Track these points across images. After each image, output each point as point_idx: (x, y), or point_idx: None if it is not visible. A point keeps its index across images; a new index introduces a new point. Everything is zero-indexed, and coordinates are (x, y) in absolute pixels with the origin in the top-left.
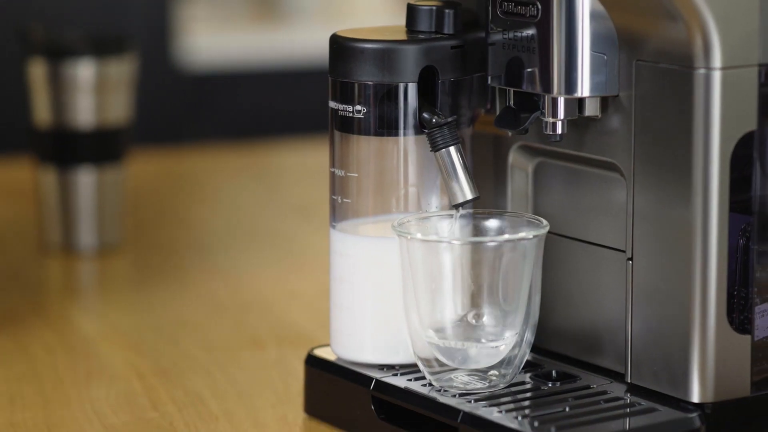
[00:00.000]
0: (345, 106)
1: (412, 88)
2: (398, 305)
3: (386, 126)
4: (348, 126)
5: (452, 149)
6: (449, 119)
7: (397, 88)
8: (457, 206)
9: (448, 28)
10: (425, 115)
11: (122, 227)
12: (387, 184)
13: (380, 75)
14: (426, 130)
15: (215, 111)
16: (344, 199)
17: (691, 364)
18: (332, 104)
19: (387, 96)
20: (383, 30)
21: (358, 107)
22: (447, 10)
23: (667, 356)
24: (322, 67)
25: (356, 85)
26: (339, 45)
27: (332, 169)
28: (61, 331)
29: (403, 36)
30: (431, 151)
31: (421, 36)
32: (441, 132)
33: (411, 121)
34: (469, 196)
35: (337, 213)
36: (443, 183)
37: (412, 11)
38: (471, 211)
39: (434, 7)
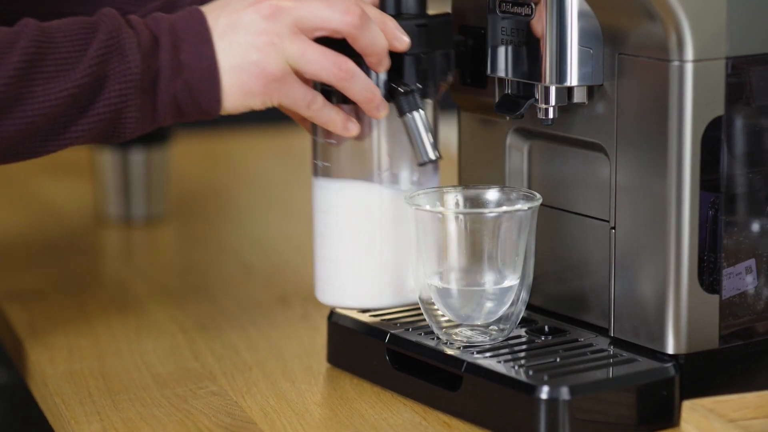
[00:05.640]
0: None
1: None
2: (374, 255)
3: None
4: (327, 96)
5: (416, 114)
6: (413, 87)
7: None
8: (421, 164)
9: (413, 10)
10: (392, 84)
11: (168, 200)
12: (361, 148)
13: (354, 50)
14: (393, 98)
15: None
16: (324, 163)
17: (666, 320)
18: None
19: (360, 68)
20: None
21: None
22: None
23: (645, 313)
24: None
25: None
26: None
27: (315, 137)
28: (114, 290)
29: None
30: (399, 116)
31: (390, 15)
32: (406, 99)
33: (381, 90)
34: (431, 156)
35: (319, 175)
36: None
37: None
38: (474, 186)
39: None
